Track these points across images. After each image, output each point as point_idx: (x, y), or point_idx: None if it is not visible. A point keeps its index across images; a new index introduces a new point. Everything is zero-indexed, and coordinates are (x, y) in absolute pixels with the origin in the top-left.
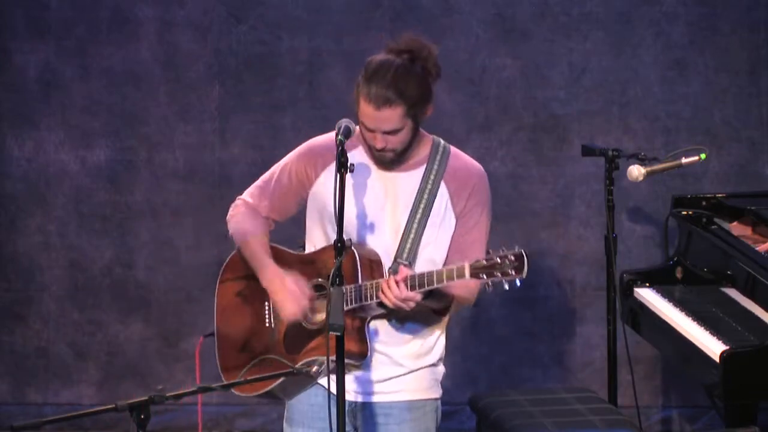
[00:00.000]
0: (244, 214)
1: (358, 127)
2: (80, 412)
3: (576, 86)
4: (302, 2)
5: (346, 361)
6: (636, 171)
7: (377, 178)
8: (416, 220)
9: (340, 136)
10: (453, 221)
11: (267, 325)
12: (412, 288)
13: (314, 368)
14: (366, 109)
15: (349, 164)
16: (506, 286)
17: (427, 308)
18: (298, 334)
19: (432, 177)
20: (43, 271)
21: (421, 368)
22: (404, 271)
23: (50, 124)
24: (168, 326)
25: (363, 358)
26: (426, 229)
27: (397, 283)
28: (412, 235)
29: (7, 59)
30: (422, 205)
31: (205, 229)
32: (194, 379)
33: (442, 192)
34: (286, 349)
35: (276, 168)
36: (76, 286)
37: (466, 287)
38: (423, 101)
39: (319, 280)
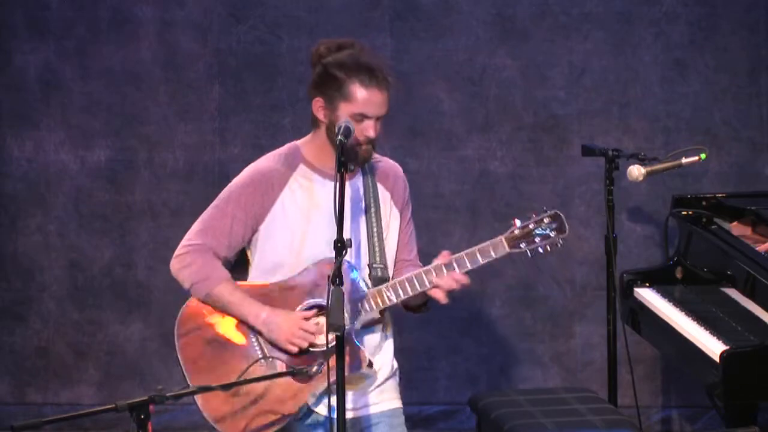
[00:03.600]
0: (202, 261)
1: (294, 146)
2: (80, 412)
3: (576, 86)
4: (302, 2)
5: (362, 374)
6: (636, 171)
7: (328, 192)
8: (374, 223)
9: (340, 137)
10: (398, 216)
11: (260, 356)
12: (451, 269)
13: (314, 368)
14: (369, 97)
15: (349, 165)
16: (542, 250)
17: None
18: (305, 360)
19: (369, 180)
20: (43, 271)
21: (392, 376)
22: (446, 255)
23: (50, 124)
24: (168, 326)
25: (372, 365)
26: (384, 230)
27: (445, 267)
28: (375, 238)
29: (7, 59)
30: (373, 209)
31: None
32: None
33: (382, 192)
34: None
35: (222, 203)
36: (76, 286)
37: None
38: None
39: (310, 301)
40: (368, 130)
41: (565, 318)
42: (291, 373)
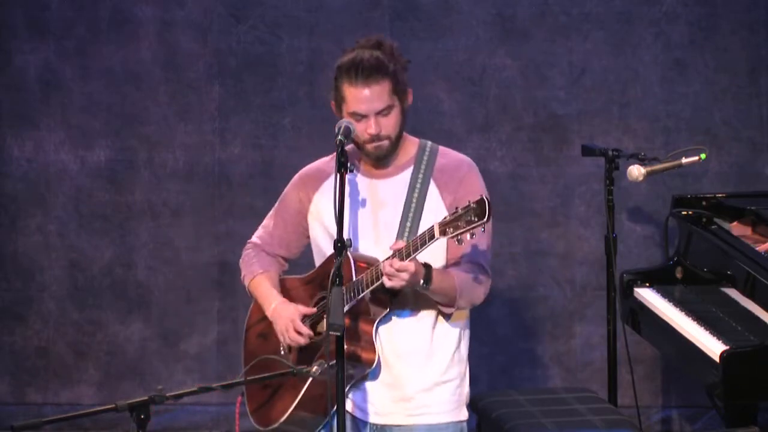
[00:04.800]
0: (250, 256)
1: (351, 147)
2: (80, 412)
3: (576, 86)
4: (302, 2)
5: (354, 369)
6: (636, 171)
7: (367, 186)
8: (409, 220)
9: (339, 137)
10: (445, 213)
11: (283, 353)
12: (401, 259)
13: (314, 368)
14: (355, 94)
15: (348, 164)
16: (471, 236)
17: (436, 303)
18: (307, 349)
19: (420, 176)
20: (43, 271)
21: (443, 383)
22: (399, 243)
23: (50, 124)
24: (168, 326)
25: (370, 366)
26: (420, 228)
27: (396, 256)
28: (407, 235)
29: (7, 59)
30: (413, 205)
31: (205, 229)
32: (194, 380)
33: (432, 189)
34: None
35: (276, 205)
36: (76, 286)
37: (468, 281)
38: (403, 81)
39: (320, 293)
40: (368, 128)
41: (565, 318)
42: (291, 373)
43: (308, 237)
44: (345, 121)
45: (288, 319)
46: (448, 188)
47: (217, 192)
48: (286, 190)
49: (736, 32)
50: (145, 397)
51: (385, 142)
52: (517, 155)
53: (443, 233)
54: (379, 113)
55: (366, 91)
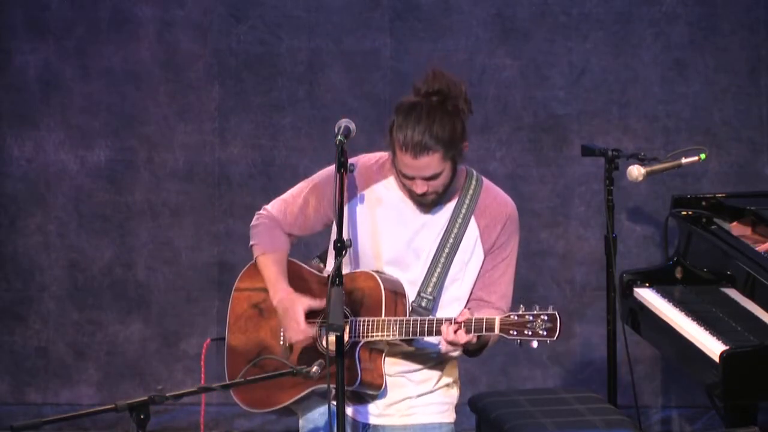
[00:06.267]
0: (267, 227)
1: (388, 158)
2: (80, 412)
3: (576, 86)
4: (302, 2)
5: (365, 391)
6: (636, 171)
7: (407, 209)
8: (444, 255)
9: (339, 137)
10: (481, 257)
11: (281, 342)
12: (467, 331)
13: (314, 368)
14: (403, 158)
15: (349, 165)
16: (535, 345)
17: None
18: (312, 355)
19: (463, 211)
20: (43, 271)
21: (436, 390)
22: (465, 314)
23: (50, 124)
24: (168, 326)
25: (378, 390)
26: (453, 264)
27: (457, 327)
28: (438, 270)
29: (7, 59)
30: (451, 240)
31: (204, 229)
32: (194, 380)
33: (472, 228)
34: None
35: (302, 188)
36: (76, 286)
37: (495, 340)
38: (459, 141)
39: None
40: (412, 186)
41: (565, 318)
42: (291, 373)
43: (329, 225)
44: (345, 121)
45: (294, 320)
46: (488, 232)
47: (217, 192)
48: (324, 179)
49: (736, 32)
50: (145, 397)
51: (431, 196)
52: (516, 155)
53: (504, 332)
54: (427, 178)
55: (414, 161)
